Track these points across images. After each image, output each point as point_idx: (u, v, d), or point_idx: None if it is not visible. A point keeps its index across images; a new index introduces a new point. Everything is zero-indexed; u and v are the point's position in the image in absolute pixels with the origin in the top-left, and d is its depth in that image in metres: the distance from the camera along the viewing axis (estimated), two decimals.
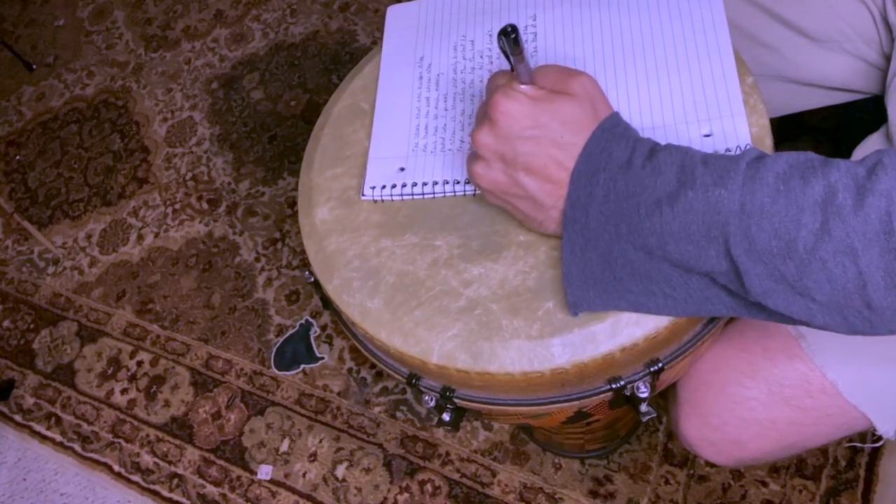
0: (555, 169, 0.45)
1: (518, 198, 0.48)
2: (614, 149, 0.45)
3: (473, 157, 0.49)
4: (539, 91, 0.46)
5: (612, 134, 0.45)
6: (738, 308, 0.44)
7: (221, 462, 1.13)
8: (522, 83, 0.47)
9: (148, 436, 1.19)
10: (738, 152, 0.47)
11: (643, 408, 0.53)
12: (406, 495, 1.04)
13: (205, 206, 1.42)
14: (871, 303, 0.38)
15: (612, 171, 0.44)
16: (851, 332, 0.41)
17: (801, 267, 0.38)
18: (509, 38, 0.44)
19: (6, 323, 1.39)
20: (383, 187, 0.57)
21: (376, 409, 1.12)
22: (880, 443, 0.67)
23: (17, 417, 1.26)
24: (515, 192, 0.48)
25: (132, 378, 1.25)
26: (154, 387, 1.23)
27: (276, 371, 1.20)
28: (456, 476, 1.04)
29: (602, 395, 0.52)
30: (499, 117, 0.46)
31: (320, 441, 1.11)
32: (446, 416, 0.56)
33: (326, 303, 0.58)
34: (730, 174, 0.40)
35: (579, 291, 0.46)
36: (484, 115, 0.48)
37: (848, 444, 0.93)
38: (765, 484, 0.94)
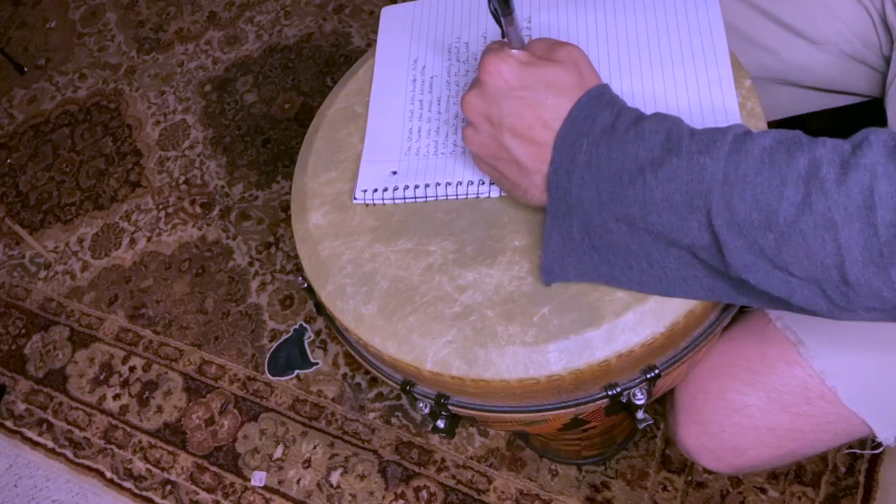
0: (539, 130, 0.46)
1: (504, 162, 0.48)
2: (598, 115, 0.45)
3: (466, 123, 0.50)
4: (528, 56, 0.47)
5: (599, 101, 0.46)
6: (714, 291, 0.44)
7: (215, 468, 1.13)
8: (513, 48, 0.48)
9: (140, 442, 1.18)
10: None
11: (640, 415, 0.52)
12: (401, 502, 1.03)
13: (198, 209, 1.42)
14: (848, 278, 0.38)
15: (595, 136, 0.44)
16: (831, 308, 0.40)
17: (781, 240, 0.39)
18: None
19: None
20: (375, 191, 0.57)
21: (371, 415, 1.11)
22: (880, 449, 0.67)
23: (9, 423, 1.25)
24: (501, 156, 0.48)
25: (124, 384, 1.25)
26: (146, 392, 1.23)
27: (269, 377, 1.19)
28: (451, 483, 1.03)
29: (598, 402, 0.52)
30: (487, 78, 0.47)
31: (314, 447, 1.10)
32: (441, 423, 0.56)
33: (320, 308, 0.58)
34: (716, 144, 0.41)
35: (555, 258, 0.47)
36: (474, 81, 0.49)
37: (847, 451, 0.93)
38: (763, 491, 0.94)
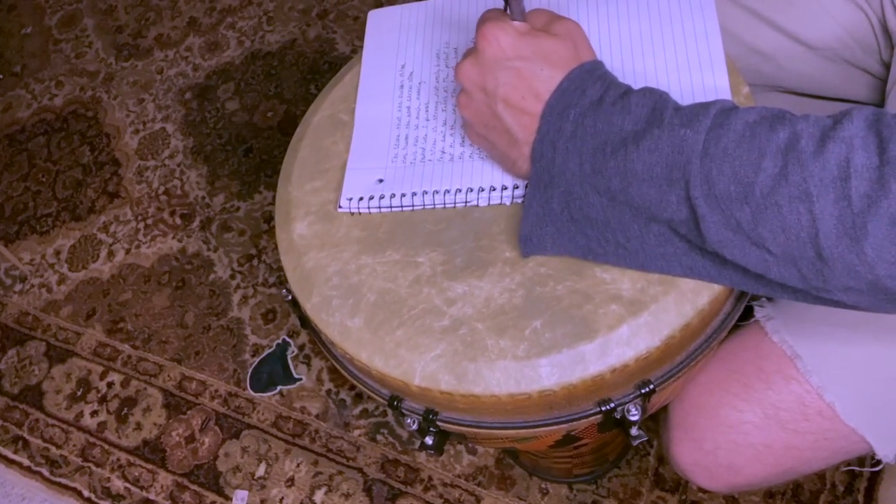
0: (531, 101, 0.46)
1: (496, 131, 0.49)
2: (589, 87, 0.45)
3: (460, 91, 0.51)
4: (526, 27, 0.48)
5: (591, 74, 0.46)
6: (693, 269, 0.45)
7: (195, 487, 1.11)
8: (513, 20, 0.48)
9: (119, 460, 1.16)
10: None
11: (634, 431, 0.52)
12: None
13: (178, 221, 1.40)
14: (822, 252, 0.38)
15: (583, 107, 0.45)
16: (807, 287, 0.40)
17: (757, 213, 0.39)
18: None
19: None
20: (360, 199, 0.56)
21: (356, 433, 1.09)
22: (879, 467, 0.66)
23: None
24: (494, 125, 0.49)
25: (102, 400, 1.22)
26: (125, 409, 1.20)
27: (251, 393, 1.17)
28: (439, 502, 1.01)
29: (591, 418, 0.51)
30: (485, 46, 0.47)
31: (298, 465, 1.09)
32: (429, 440, 0.55)
33: (304, 322, 0.57)
34: (698, 117, 0.41)
35: (533, 228, 0.47)
36: (471, 49, 0.49)
37: (846, 469, 0.92)
38: None
